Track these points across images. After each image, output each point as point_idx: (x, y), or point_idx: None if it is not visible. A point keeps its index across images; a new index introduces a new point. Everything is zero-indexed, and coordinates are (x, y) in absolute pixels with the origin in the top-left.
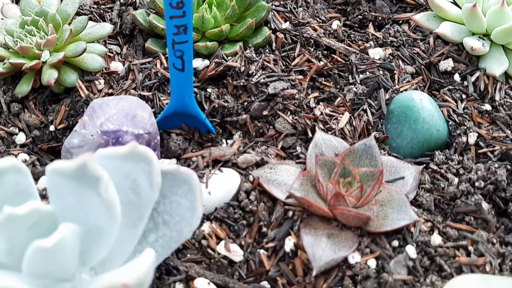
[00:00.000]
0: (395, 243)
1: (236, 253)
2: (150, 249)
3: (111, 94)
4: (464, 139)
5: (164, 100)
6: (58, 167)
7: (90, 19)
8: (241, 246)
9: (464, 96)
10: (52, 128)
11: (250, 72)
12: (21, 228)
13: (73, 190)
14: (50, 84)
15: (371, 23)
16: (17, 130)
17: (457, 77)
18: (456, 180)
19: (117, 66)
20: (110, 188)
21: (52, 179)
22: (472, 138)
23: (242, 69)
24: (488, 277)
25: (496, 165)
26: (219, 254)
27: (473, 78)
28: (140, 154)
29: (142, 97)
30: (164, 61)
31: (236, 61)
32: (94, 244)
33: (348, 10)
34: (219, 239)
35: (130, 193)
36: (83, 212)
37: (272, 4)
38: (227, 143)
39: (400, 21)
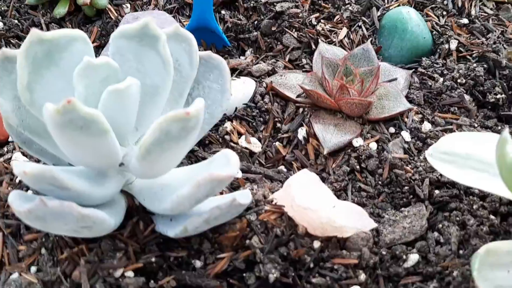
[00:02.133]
0: (392, 129)
1: (256, 145)
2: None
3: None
4: (446, 46)
5: (184, 21)
6: (123, 29)
7: None
8: (259, 139)
9: (444, 13)
10: None
11: None
12: (95, 78)
13: (134, 50)
14: (86, 4)
15: None
16: None
17: None
18: (441, 79)
19: None
20: (167, 46)
21: (117, 42)
22: (453, 44)
23: None
24: (472, 134)
25: (475, 65)
26: (241, 146)
27: None
28: (182, 35)
29: None
30: None
31: None
32: (148, 106)
33: None
34: (240, 134)
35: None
36: (141, 73)
37: None
38: (240, 59)
39: None
